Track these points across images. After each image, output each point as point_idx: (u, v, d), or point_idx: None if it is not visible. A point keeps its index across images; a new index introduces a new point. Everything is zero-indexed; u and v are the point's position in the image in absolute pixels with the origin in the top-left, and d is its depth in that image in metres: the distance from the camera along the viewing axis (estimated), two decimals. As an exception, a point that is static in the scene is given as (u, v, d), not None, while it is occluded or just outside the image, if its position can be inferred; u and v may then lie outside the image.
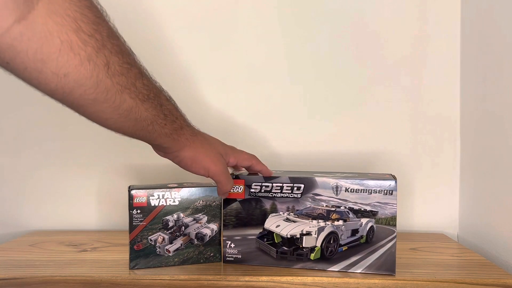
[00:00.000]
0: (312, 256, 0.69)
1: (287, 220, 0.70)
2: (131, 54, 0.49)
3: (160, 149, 0.62)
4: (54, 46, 0.39)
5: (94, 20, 0.42)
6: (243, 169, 0.74)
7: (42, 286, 0.66)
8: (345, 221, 0.68)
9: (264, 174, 0.71)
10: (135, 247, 0.69)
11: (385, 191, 0.67)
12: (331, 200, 0.68)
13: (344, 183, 0.68)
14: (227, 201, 0.72)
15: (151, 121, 0.53)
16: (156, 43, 0.96)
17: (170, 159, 0.64)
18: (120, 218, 0.96)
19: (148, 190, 0.69)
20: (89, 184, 0.98)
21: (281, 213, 0.70)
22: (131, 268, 0.69)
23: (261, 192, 0.71)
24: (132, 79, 0.48)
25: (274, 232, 0.70)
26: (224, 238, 0.72)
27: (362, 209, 0.67)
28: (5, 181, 0.98)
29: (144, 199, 0.69)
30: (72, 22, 0.40)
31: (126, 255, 0.71)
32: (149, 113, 0.52)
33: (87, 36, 0.41)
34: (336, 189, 0.68)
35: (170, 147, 0.60)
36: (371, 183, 0.67)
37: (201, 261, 0.72)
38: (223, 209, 0.72)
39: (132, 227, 0.69)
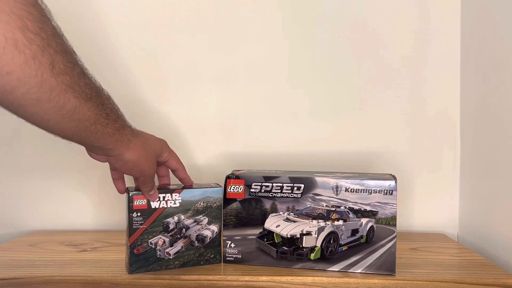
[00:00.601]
0: (312, 256, 0.69)
1: (287, 220, 0.70)
2: (73, 53, 0.48)
3: (101, 151, 0.60)
4: None
5: (39, 19, 0.42)
6: (164, 175, 0.74)
7: (42, 286, 0.66)
8: (345, 221, 0.68)
9: (186, 183, 0.73)
10: (135, 251, 0.68)
11: (385, 191, 0.67)
12: (331, 200, 0.68)
13: (344, 183, 0.68)
14: (227, 201, 0.72)
15: (94, 121, 0.52)
16: (155, 43, 0.96)
17: (111, 162, 0.63)
18: (120, 218, 0.96)
19: None
20: (89, 184, 0.98)
21: (281, 213, 0.70)
22: (131, 272, 0.68)
23: (261, 192, 0.71)
24: (76, 78, 0.47)
25: (274, 232, 0.70)
26: (224, 238, 0.72)
27: (362, 209, 0.67)
28: (5, 181, 0.98)
29: (144, 202, 0.68)
30: (17, 20, 0.39)
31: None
32: (92, 112, 0.51)
33: (33, 35, 0.41)
34: (336, 189, 0.68)
35: (112, 148, 0.59)
36: (371, 183, 0.67)
37: (201, 263, 0.72)
38: (223, 209, 0.72)
39: (131, 230, 0.67)
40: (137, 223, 0.68)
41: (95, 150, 0.61)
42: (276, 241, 0.71)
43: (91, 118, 0.51)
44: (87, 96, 0.50)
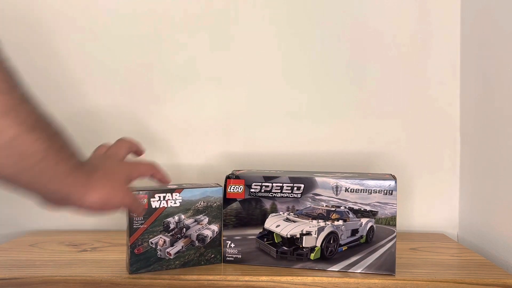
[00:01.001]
0: (312, 256, 0.69)
1: (287, 220, 0.70)
2: (14, 73, 0.40)
3: (56, 200, 0.46)
4: None
5: None
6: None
7: (42, 286, 0.66)
8: (345, 221, 0.68)
9: (164, 182, 0.63)
10: (135, 250, 0.67)
11: (385, 191, 0.67)
12: (331, 200, 0.68)
13: (344, 183, 0.68)
14: (227, 201, 0.72)
15: (42, 157, 0.40)
16: (154, 43, 0.96)
17: (73, 209, 0.48)
18: (120, 218, 0.96)
19: (149, 192, 0.68)
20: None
21: (281, 213, 0.70)
22: (132, 272, 0.67)
23: (261, 192, 0.71)
24: (17, 100, 0.38)
25: (274, 232, 0.70)
26: (224, 238, 0.72)
27: (362, 209, 0.68)
28: (5, 181, 0.98)
29: (144, 201, 0.67)
30: None
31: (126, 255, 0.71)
32: (39, 145, 0.40)
33: None
34: (336, 189, 0.68)
35: (71, 193, 0.45)
36: (371, 183, 0.67)
37: (202, 263, 0.72)
38: (223, 209, 0.72)
39: (132, 230, 0.67)
40: (138, 223, 0.67)
41: (47, 199, 0.46)
42: (276, 241, 0.71)
43: (38, 152, 0.40)
44: (32, 124, 0.39)
